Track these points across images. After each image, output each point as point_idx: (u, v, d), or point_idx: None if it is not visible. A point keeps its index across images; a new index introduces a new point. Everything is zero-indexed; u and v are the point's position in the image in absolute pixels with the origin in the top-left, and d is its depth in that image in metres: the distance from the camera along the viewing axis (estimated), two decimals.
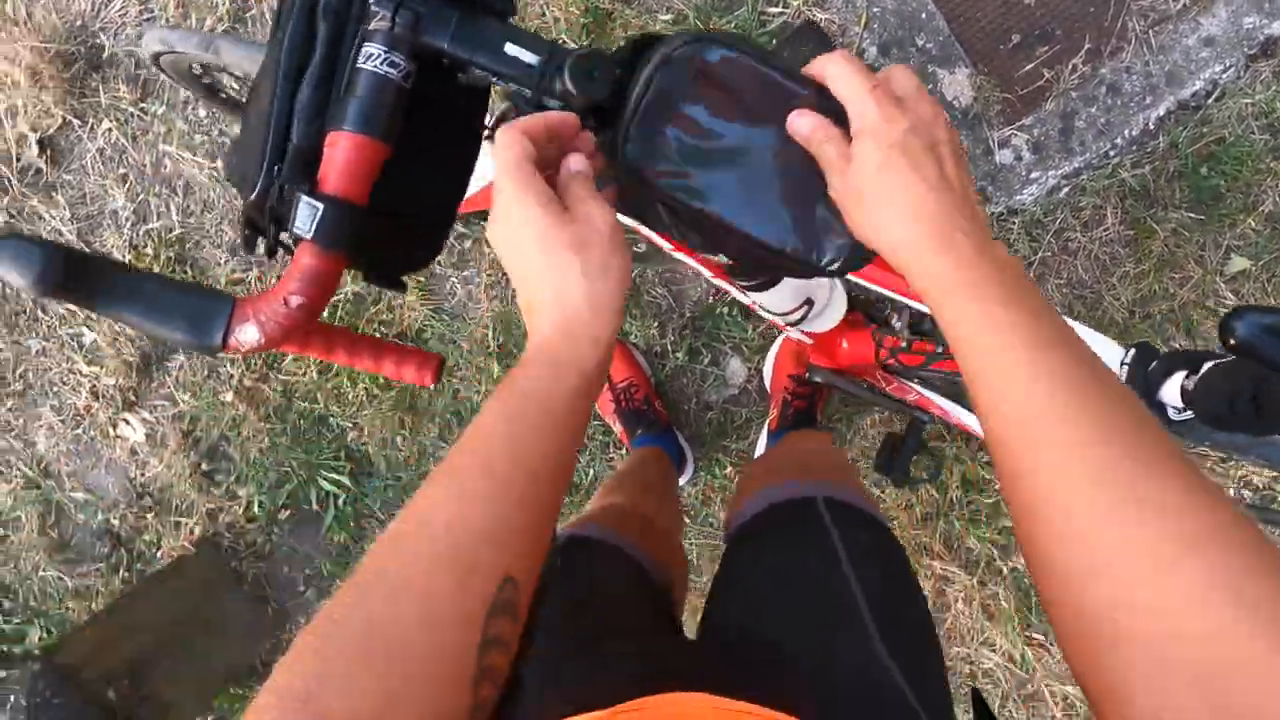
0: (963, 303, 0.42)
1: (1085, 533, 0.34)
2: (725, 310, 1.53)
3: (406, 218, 0.62)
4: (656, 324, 1.54)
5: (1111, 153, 1.45)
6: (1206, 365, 0.67)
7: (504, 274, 1.54)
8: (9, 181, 1.54)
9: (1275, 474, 1.56)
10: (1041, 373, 0.38)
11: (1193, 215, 1.48)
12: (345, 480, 1.60)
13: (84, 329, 1.58)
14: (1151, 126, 1.44)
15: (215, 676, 1.49)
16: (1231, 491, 1.57)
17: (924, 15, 1.42)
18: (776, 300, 0.93)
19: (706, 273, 0.93)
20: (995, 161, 1.45)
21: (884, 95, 0.46)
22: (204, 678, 1.43)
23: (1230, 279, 1.50)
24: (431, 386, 0.96)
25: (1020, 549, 0.39)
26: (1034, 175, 1.45)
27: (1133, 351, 0.73)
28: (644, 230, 0.80)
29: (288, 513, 1.63)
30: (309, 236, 0.51)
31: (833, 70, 0.48)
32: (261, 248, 0.57)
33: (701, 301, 1.54)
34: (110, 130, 1.53)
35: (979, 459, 1.58)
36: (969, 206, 0.45)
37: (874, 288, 0.90)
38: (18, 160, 1.54)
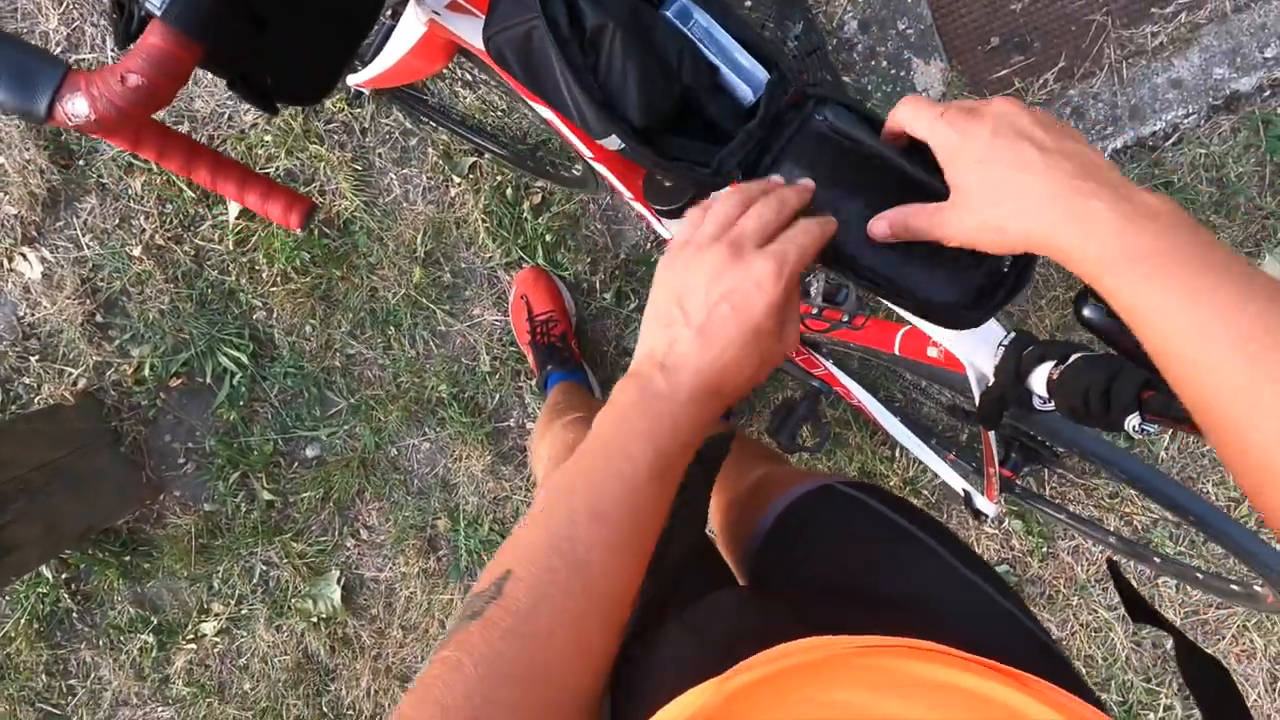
0: (1128, 281, 0.38)
1: None
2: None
3: (290, 38, 0.58)
4: (589, 260, 1.52)
5: None
6: (1074, 357, 0.67)
7: (444, 180, 1.50)
8: None
9: (1154, 515, 1.60)
10: (1245, 333, 0.35)
11: None
12: (245, 359, 1.55)
13: None
14: (1107, 157, 1.45)
15: (70, 530, 1.44)
16: (1111, 525, 1.61)
17: (911, 1, 1.40)
18: None
19: (626, 193, 0.91)
20: None
21: (955, 113, 0.45)
22: (57, 528, 1.38)
23: None
24: (298, 231, 0.92)
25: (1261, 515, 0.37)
26: None
27: (1012, 335, 0.73)
28: (555, 122, 0.77)
29: (179, 381, 1.58)
30: (158, 13, 0.47)
31: (901, 115, 0.48)
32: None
33: (639, 246, 1.52)
34: None
35: (879, 454, 1.60)
36: (1095, 169, 0.41)
37: None
38: None
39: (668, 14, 0.57)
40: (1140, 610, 0.46)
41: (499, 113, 1.46)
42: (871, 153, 0.52)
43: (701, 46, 0.58)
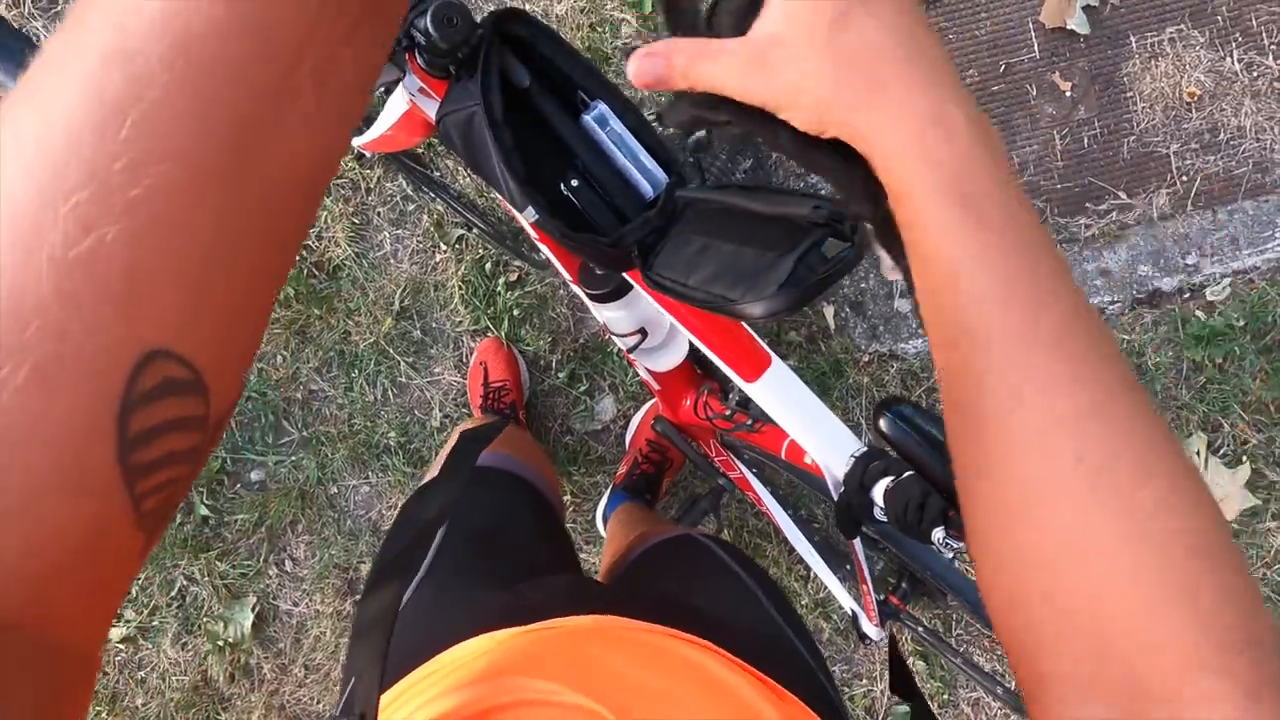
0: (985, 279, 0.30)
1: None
2: (615, 351, 1.62)
3: None
4: (550, 339, 1.63)
5: None
6: (907, 474, 0.76)
7: (432, 245, 1.63)
8: None
9: None
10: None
11: None
12: None
13: None
14: None
15: None
16: (1013, 684, 1.64)
17: None
18: (618, 319, 1.01)
19: (566, 275, 1.02)
20: (894, 307, 1.57)
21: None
22: None
23: None
24: None
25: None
26: (922, 331, 1.57)
27: (864, 448, 0.82)
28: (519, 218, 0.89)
29: None
30: None
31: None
32: None
33: (598, 334, 1.63)
34: None
35: (795, 571, 1.65)
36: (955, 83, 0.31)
37: (691, 337, 0.98)
38: None
39: (588, 118, 0.70)
40: (902, 685, 0.52)
41: (491, 196, 1.61)
42: (733, 206, 0.62)
43: (614, 148, 0.70)
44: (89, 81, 0.21)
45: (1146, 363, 1.58)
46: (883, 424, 0.61)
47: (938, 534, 0.70)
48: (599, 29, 1.59)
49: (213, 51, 0.22)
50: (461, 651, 0.55)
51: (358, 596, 1.67)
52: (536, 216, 0.68)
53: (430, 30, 0.62)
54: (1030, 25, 1.54)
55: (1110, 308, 1.57)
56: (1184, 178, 1.54)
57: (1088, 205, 1.55)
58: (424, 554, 0.73)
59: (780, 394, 0.80)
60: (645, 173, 0.71)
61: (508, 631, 0.55)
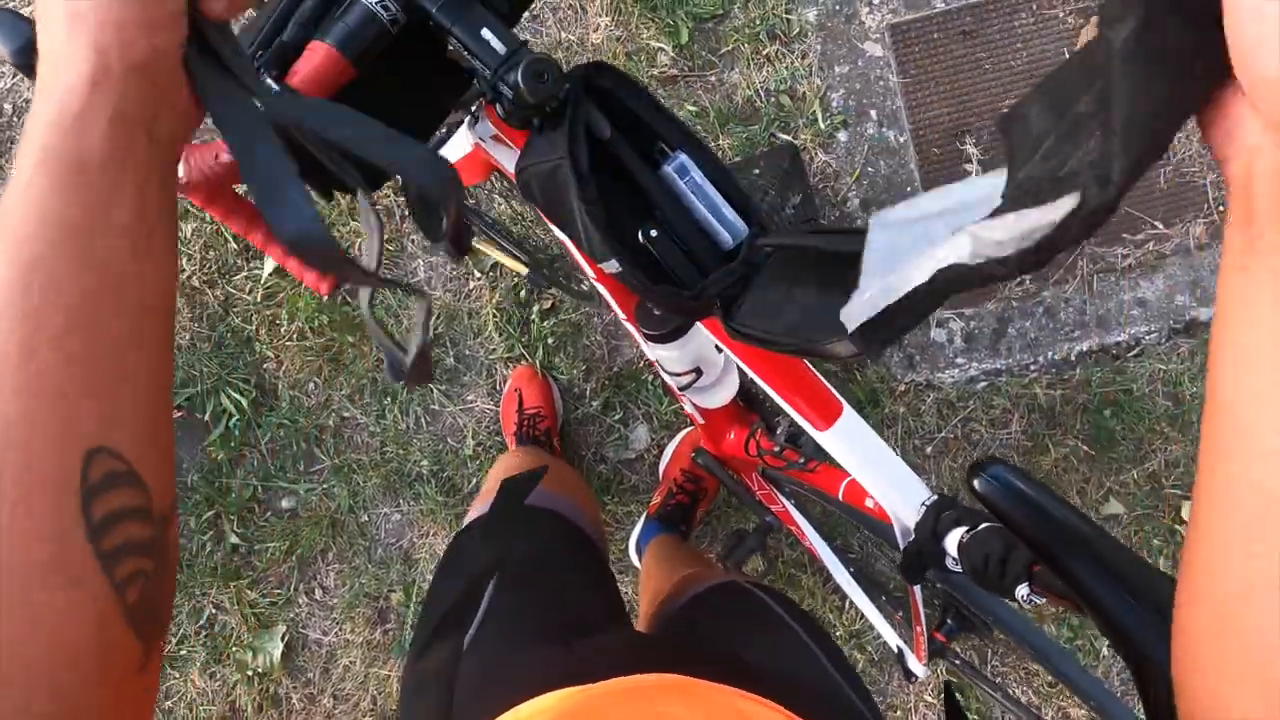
0: None
1: None
2: (650, 379, 1.61)
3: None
4: (584, 368, 1.62)
5: (1032, 367, 1.57)
6: (983, 525, 0.75)
7: (466, 273, 1.63)
8: None
9: (1090, 716, 1.61)
10: None
11: (1086, 449, 1.59)
12: (245, 404, 1.63)
13: None
14: (1073, 358, 1.57)
15: None
16: (1048, 715, 1.62)
17: (909, 190, 1.56)
18: (673, 358, 1.01)
19: (621, 314, 1.01)
20: (929, 336, 1.57)
21: None
22: None
23: (1103, 518, 1.60)
24: (324, 296, 1.03)
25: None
26: (959, 361, 1.56)
27: (934, 497, 0.81)
28: (567, 243, 0.89)
29: (180, 414, 1.65)
30: None
31: None
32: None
33: (632, 363, 1.62)
34: None
35: (830, 602, 1.64)
36: None
37: (764, 385, 0.98)
38: None
39: (668, 169, 0.69)
40: None
41: (526, 223, 1.61)
42: (813, 249, 0.62)
43: (693, 198, 0.70)
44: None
45: (1184, 393, 1.58)
46: (978, 485, 0.60)
47: (1022, 589, 0.69)
48: (635, 58, 1.59)
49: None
50: (523, 712, 0.55)
51: (389, 626, 1.66)
52: (619, 269, 0.68)
53: (521, 85, 0.62)
54: (1066, 55, 1.54)
55: (1147, 338, 1.57)
56: (1220, 208, 1.54)
57: (1124, 235, 1.55)
58: (474, 608, 0.73)
59: (852, 443, 0.80)
60: (725, 223, 0.70)
61: (570, 690, 0.55)
